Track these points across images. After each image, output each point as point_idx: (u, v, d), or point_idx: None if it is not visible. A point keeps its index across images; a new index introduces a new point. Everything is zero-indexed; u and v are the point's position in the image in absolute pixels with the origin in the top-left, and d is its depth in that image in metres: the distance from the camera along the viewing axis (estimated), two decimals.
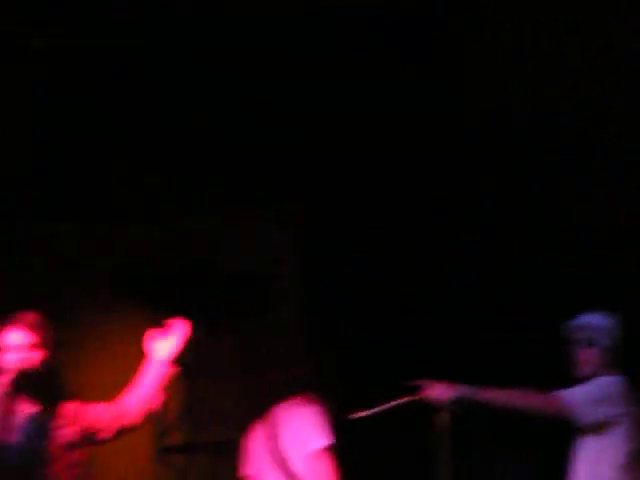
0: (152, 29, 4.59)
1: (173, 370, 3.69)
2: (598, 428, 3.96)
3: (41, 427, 3.39)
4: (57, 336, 3.57)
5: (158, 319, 5.51)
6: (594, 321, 4.14)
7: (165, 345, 3.65)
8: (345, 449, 4.30)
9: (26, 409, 3.37)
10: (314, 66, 4.86)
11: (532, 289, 5.79)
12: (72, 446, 3.45)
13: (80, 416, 3.50)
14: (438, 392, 3.96)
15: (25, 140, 5.23)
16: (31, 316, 3.45)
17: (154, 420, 5.45)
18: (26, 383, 3.30)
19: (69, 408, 3.49)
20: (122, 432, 3.59)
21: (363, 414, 4.13)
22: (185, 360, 5.61)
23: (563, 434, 4.08)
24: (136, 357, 3.72)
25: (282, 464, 4.24)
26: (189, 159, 5.56)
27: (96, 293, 5.63)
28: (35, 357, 3.37)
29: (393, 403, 4.09)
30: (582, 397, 3.95)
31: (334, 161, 5.61)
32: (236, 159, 5.62)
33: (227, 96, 5.08)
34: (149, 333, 3.66)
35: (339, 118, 5.21)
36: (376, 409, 4.12)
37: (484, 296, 5.77)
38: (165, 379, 3.66)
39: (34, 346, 3.38)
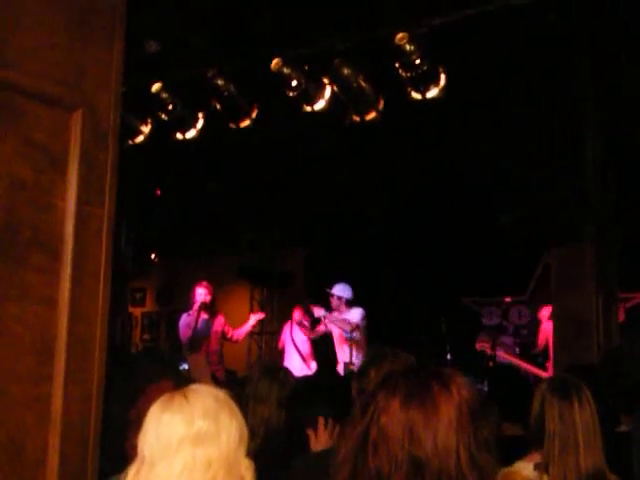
0: None
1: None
2: None
3: (209, 322, 8.88)
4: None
5: None
6: None
7: (253, 318, 9.28)
8: None
9: (204, 316, 8.86)
10: None
11: None
12: (218, 336, 8.91)
13: (223, 326, 8.99)
14: None
15: None
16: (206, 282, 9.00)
17: None
18: (206, 307, 8.82)
19: (219, 320, 8.99)
20: (235, 342, 9.15)
21: None
22: None
23: None
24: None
25: None
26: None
27: None
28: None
29: None
30: None
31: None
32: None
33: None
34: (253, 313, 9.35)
35: None
36: None
37: None
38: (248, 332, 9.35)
39: (210, 294, 8.90)
